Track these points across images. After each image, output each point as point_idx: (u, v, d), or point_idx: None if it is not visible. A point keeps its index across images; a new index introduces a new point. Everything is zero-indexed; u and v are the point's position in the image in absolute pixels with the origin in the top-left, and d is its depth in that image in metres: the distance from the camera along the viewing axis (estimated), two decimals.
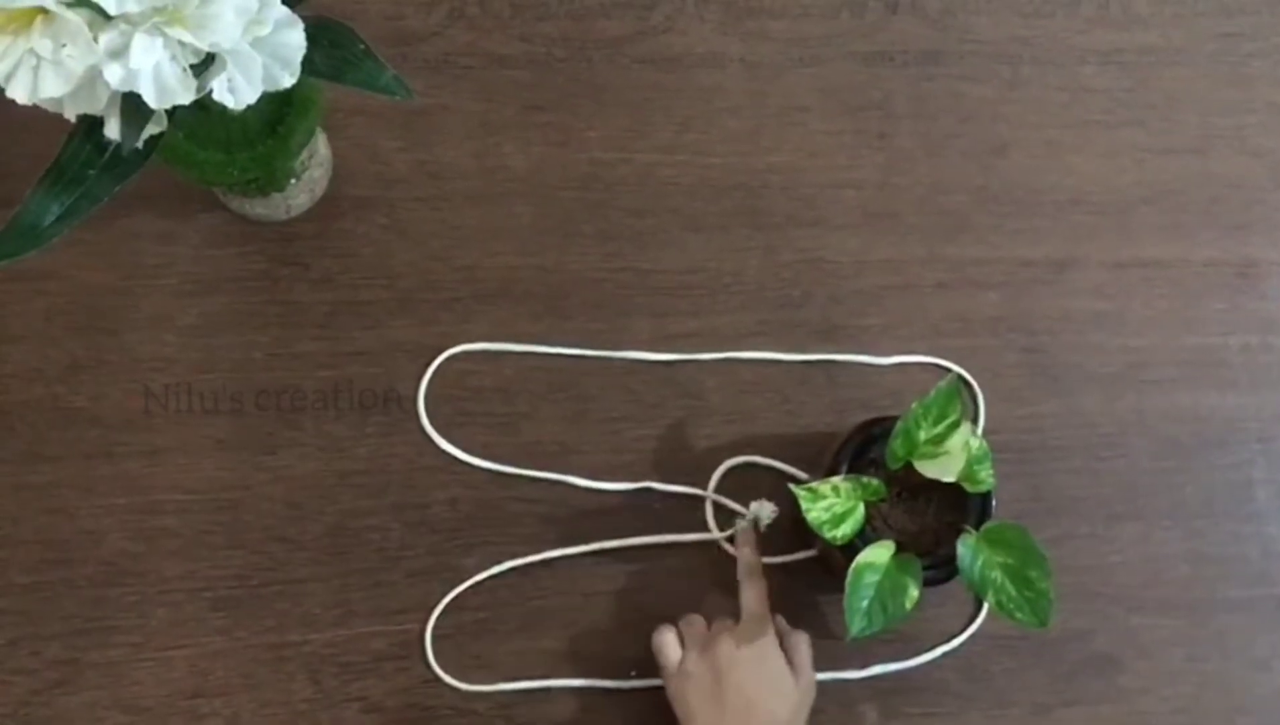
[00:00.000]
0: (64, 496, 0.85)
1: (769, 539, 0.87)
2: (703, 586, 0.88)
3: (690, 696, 0.78)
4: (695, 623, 0.83)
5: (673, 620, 0.84)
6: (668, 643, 0.81)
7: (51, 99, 0.59)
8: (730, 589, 0.85)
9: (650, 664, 0.84)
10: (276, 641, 0.84)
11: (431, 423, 0.88)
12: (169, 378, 0.88)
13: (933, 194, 0.97)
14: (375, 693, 0.84)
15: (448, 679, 0.84)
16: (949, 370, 0.93)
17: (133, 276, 0.89)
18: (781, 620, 0.83)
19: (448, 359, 0.89)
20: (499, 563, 0.86)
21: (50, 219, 0.67)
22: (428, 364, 0.89)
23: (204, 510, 0.86)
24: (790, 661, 0.79)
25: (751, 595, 0.82)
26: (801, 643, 0.81)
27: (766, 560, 0.86)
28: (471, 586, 0.86)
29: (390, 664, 0.84)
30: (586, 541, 0.87)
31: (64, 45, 0.57)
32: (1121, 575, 0.91)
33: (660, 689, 0.82)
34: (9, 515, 0.84)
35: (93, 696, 0.82)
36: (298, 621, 0.84)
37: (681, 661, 0.80)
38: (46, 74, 0.57)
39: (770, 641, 0.79)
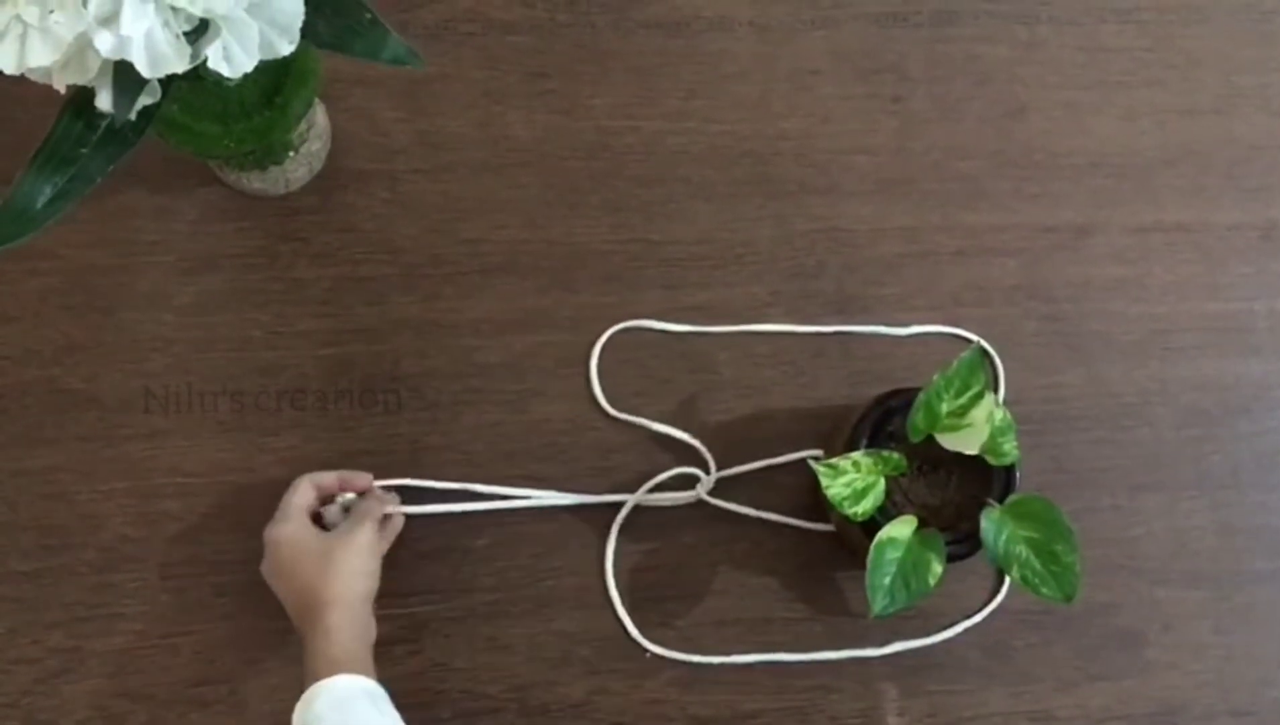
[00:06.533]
0: (62, 481, 0.83)
1: (789, 509, 0.86)
2: (714, 563, 0.86)
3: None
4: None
5: (680, 598, 0.84)
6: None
7: (40, 69, 0.56)
8: (739, 561, 0.85)
9: (666, 642, 0.83)
10: (283, 627, 0.82)
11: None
12: (167, 358, 0.86)
13: (949, 159, 0.95)
14: (385, 676, 0.81)
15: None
16: (968, 340, 0.91)
17: (129, 254, 0.87)
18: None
19: (452, 334, 0.87)
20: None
21: (43, 201, 0.65)
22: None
23: (206, 493, 0.84)
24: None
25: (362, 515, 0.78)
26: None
27: (784, 520, 0.86)
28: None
29: (400, 647, 0.83)
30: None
31: (52, 11, 0.54)
32: (1146, 547, 0.89)
33: (673, 664, 0.80)
34: (7, 501, 0.83)
35: (96, 685, 0.81)
36: None
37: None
38: (34, 42, 0.55)
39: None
